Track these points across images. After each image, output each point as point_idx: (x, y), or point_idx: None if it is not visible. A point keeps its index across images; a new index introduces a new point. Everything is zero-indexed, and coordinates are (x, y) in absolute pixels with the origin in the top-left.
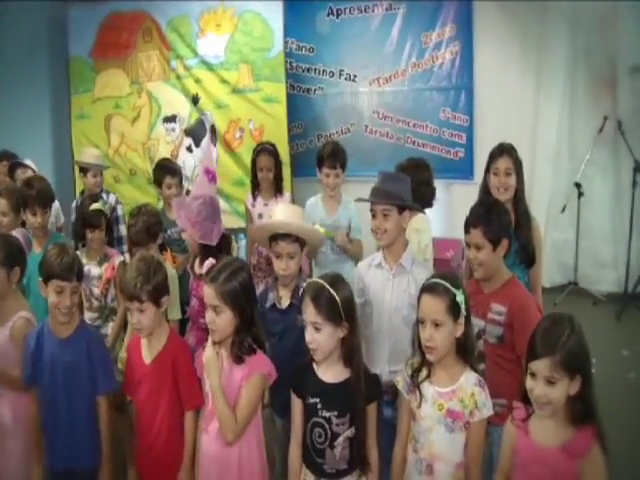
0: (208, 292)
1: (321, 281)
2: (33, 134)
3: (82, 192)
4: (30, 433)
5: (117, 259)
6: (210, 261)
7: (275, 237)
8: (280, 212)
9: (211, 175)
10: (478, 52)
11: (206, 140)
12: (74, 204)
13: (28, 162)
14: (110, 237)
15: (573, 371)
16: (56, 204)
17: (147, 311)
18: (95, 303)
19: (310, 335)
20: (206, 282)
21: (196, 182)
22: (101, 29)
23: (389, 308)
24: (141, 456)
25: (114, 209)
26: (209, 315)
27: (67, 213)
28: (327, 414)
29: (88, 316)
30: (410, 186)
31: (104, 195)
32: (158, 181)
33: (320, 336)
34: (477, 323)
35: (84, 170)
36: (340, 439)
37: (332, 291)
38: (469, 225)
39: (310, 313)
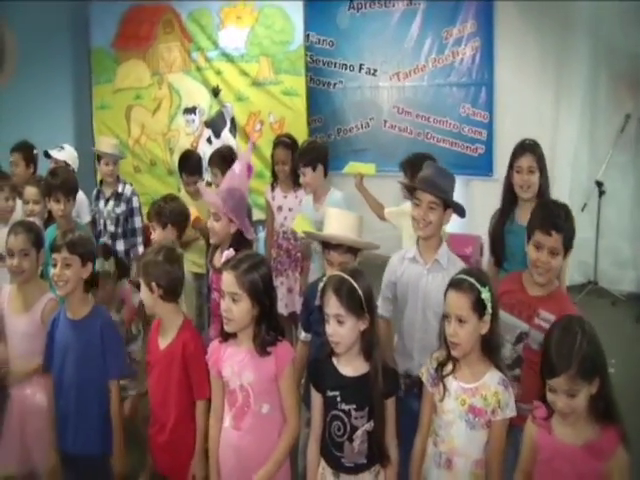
0: (228, 279)
1: (342, 274)
2: (55, 124)
3: (101, 182)
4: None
5: (134, 298)
6: (230, 252)
7: (327, 244)
8: (334, 221)
9: (250, 171)
10: (499, 48)
11: (226, 132)
12: (94, 192)
13: (67, 148)
14: (124, 229)
15: (591, 376)
16: (82, 198)
17: (142, 286)
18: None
19: (332, 328)
20: (225, 269)
21: (237, 175)
22: (122, 20)
23: (422, 303)
24: (152, 440)
25: (129, 200)
26: (225, 303)
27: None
28: (346, 407)
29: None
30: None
31: (120, 185)
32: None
33: (342, 329)
34: (520, 326)
35: (99, 158)
36: (359, 432)
37: (354, 283)
38: (552, 227)
39: (333, 305)
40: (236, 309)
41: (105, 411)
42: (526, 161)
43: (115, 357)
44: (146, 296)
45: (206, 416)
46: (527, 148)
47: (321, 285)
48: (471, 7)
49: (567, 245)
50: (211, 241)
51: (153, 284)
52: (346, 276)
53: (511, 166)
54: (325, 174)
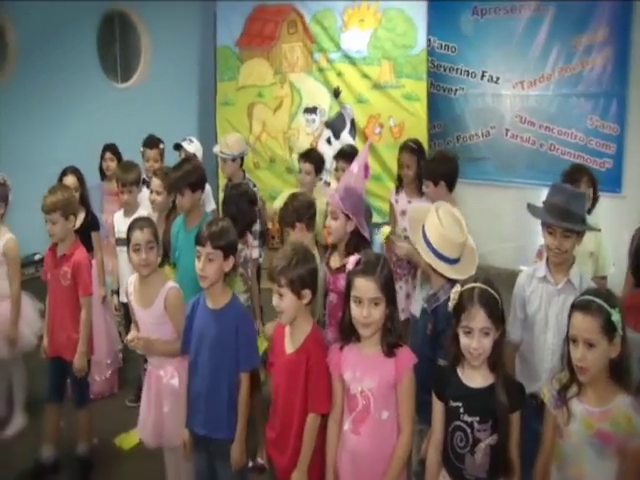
0: (367, 285)
1: (484, 286)
2: (181, 118)
3: (229, 179)
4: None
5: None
6: (356, 256)
7: None
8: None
9: (367, 171)
10: (634, 57)
11: (346, 134)
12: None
13: (195, 140)
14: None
15: None
16: (206, 188)
17: (285, 297)
18: (249, 283)
19: (477, 341)
20: (361, 276)
21: (354, 174)
22: (248, 20)
23: (553, 325)
24: (269, 438)
25: None
26: (366, 310)
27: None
28: (469, 419)
29: (244, 298)
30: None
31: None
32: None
33: (487, 341)
34: None
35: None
36: (481, 445)
37: (495, 294)
38: None
39: (481, 319)
40: (376, 312)
41: (235, 399)
42: None
43: (247, 350)
44: (292, 304)
45: (316, 431)
46: None
47: (455, 296)
48: (604, 13)
49: None
50: (329, 240)
51: (306, 291)
52: (488, 288)
53: None
54: (450, 190)
